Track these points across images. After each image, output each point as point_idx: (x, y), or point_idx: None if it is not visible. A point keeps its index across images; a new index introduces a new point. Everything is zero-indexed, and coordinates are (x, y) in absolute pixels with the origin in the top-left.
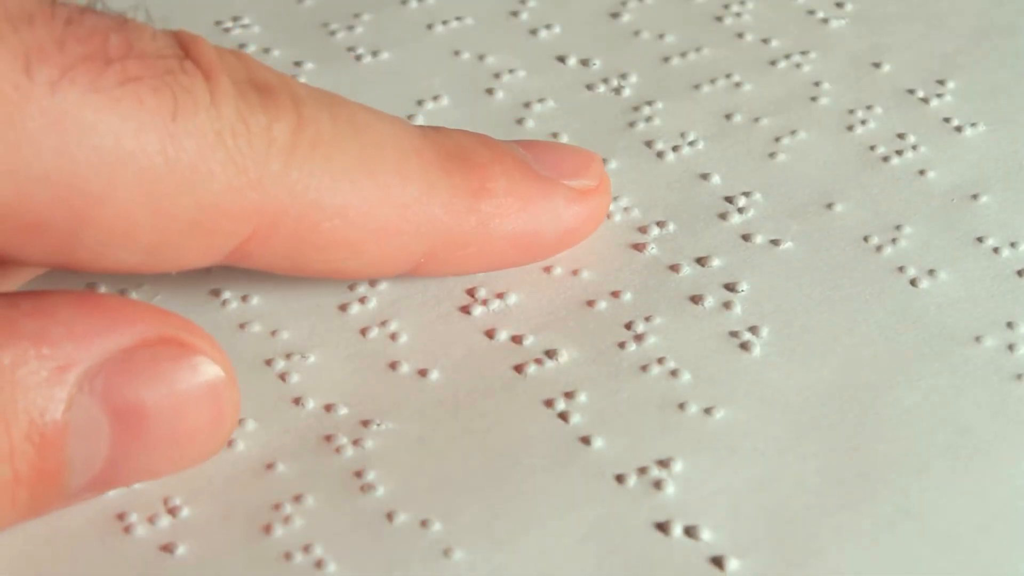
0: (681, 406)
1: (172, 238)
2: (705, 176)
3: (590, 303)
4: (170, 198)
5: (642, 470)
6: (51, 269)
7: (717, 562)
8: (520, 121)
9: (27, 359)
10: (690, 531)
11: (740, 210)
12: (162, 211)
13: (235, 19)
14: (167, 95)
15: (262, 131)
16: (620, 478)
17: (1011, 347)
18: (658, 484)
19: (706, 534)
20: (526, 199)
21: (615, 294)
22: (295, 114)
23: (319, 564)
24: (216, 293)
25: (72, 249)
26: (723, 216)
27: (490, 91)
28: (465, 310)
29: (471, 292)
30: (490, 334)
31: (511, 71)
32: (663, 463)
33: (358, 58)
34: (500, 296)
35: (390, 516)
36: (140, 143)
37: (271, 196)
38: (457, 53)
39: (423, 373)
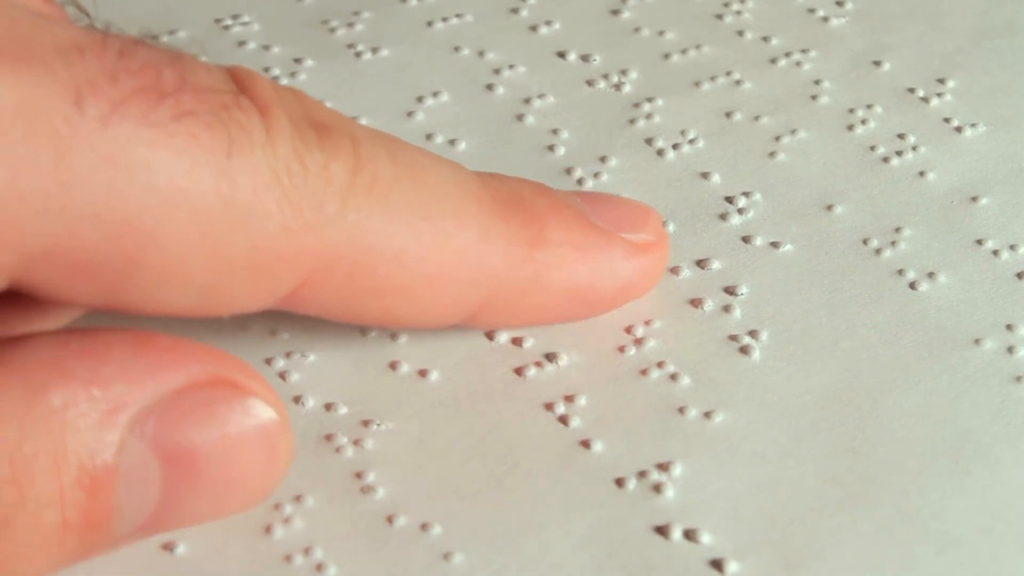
0: (681, 410)
1: (225, 280)
2: (705, 175)
3: None
4: (224, 238)
5: (642, 474)
6: (99, 311)
7: (717, 565)
8: (520, 117)
9: (77, 401)
10: (690, 534)
11: (740, 211)
12: (216, 252)
13: (235, 17)
14: (222, 131)
15: (319, 170)
16: (620, 482)
17: (1010, 349)
18: (657, 487)
19: (706, 537)
20: (584, 250)
21: None
22: (353, 154)
23: (319, 567)
24: None
25: (122, 290)
26: (723, 217)
27: (490, 87)
28: None
29: None
30: (490, 336)
31: (511, 67)
32: (663, 467)
33: (358, 55)
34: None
35: (390, 519)
36: (194, 180)
37: (327, 238)
38: (457, 49)
39: (423, 374)
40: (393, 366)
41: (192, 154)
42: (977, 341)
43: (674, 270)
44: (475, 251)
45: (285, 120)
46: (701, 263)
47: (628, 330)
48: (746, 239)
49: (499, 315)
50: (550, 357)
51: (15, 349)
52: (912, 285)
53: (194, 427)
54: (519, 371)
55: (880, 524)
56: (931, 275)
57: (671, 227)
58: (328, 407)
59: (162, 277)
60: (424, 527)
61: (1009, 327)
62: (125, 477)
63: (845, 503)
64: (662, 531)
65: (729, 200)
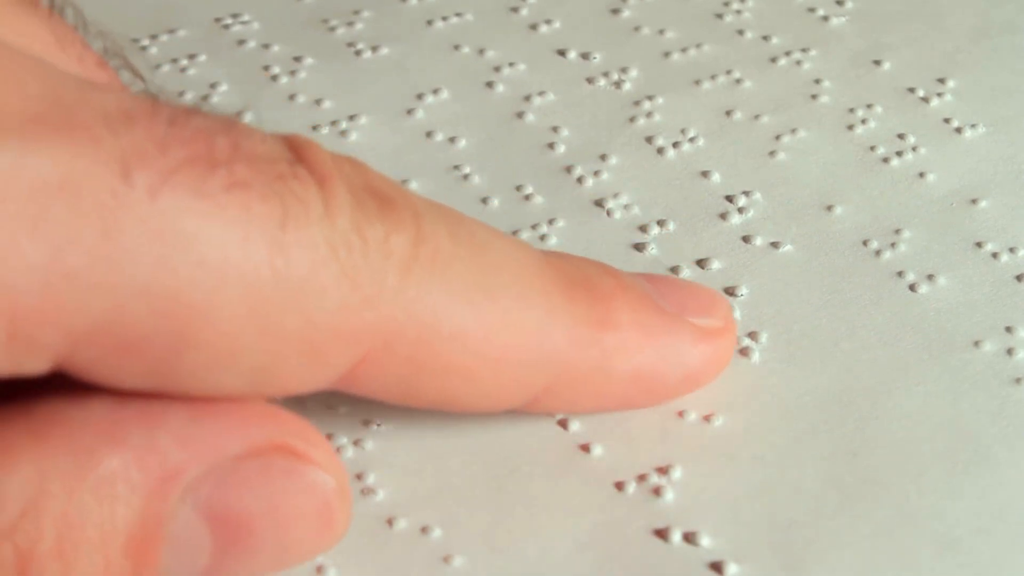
0: (680, 413)
1: (279, 360)
2: (705, 174)
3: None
4: (278, 315)
5: (641, 477)
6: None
7: (716, 568)
8: (520, 115)
9: (130, 470)
10: (689, 537)
11: (740, 210)
12: (269, 330)
13: (235, 16)
14: (277, 203)
15: (379, 243)
16: (619, 485)
17: (1010, 351)
18: (657, 491)
19: (705, 540)
20: (651, 335)
21: None
22: (414, 226)
23: (319, 569)
24: None
25: (171, 372)
26: (723, 216)
27: (490, 84)
28: None
29: None
30: None
31: (511, 65)
32: (662, 470)
33: (358, 53)
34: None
35: (390, 521)
36: (247, 255)
37: (386, 315)
38: (457, 48)
39: None
40: None
41: (245, 227)
42: (977, 343)
43: (674, 270)
44: (539, 332)
45: (344, 191)
46: (701, 263)
47: None
48: (746, 239)
49: (560, 401)
50: None
51: (70, 410)
52: (912, 287)
53: (248, 495)
54: None
55: (880, 526)
56: (931, 277)
57: (671, 226)
58: (328, 407)
59: (213, 356)
60: (424, 530)
61: (1008, 329)
62: (173, 543)
63: (845, 505)
64: (662, 534)
65: (729, 199)
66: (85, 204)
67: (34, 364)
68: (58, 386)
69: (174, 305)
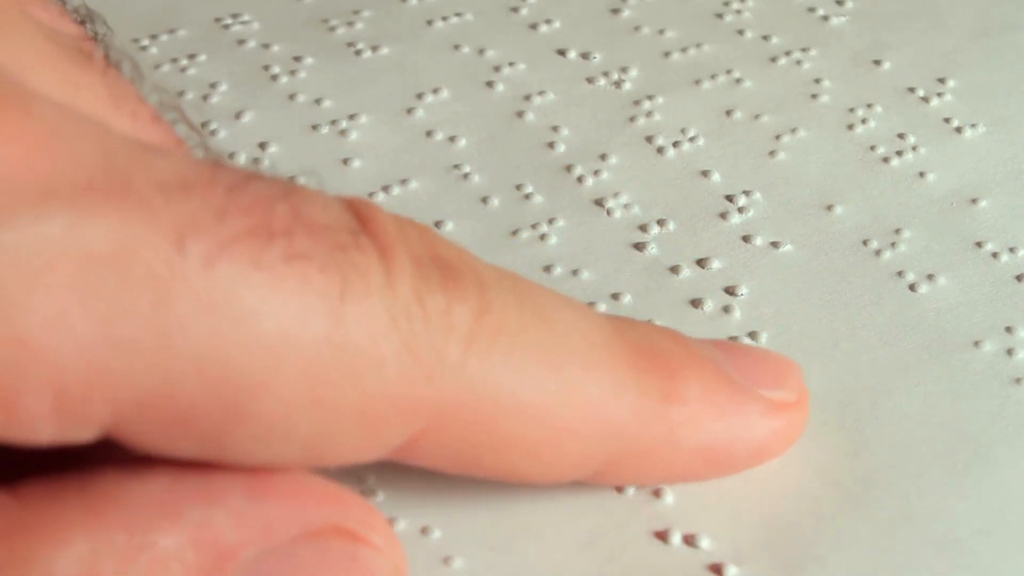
0: None
1: (335, 432)
2: (705, 173)
3: (590, 305)
4: (335, 389)
5: None
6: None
7: (716, 570)
8: (520, 114)
9: (185, 551)
10: (689, 539)
11: (740, 209)
12: (325, 403)
13: (235, 16)
14: (336, 274)
15: (441, 314)
16: (619, 486)
17: (1010, 352)
18: (657, 492)
19: (705, 542)
20: (720, 408)
21: (615, 296)
22: (478, 297)
23: None
24: None
25: (222, 444)
26: (723, 216)
27: (490, 84)
28: None
29: None
30: None
31: (511, 64)
32: None
33: (358, 53)
34: None
35: (391, 523)
36: (304, 328)
37: (446, 388)
38: (457, 48)
39: None
40: None
41: (303, 300)
42: (977, 343)
43: (674, 269)
44: (605, 405)
45: (407, 260)
46: (701, 262)
47: None
48: (746, 238)
49: (625, 473)
50: None
51: (126, 484)
52: (912, 287)
53: None
54: None
55: (880, 527)
56: (931, 277)
57: (671, 226)
58: None
59: (266, 431)
60: (424, 531)
61: (1008, 329)
62: None
63: (844, 506)
64: (661, 536)
65: (729, 199)
66: (137, 274)
67: (82, 433)
68: (114, 455)
69: (227, 379)
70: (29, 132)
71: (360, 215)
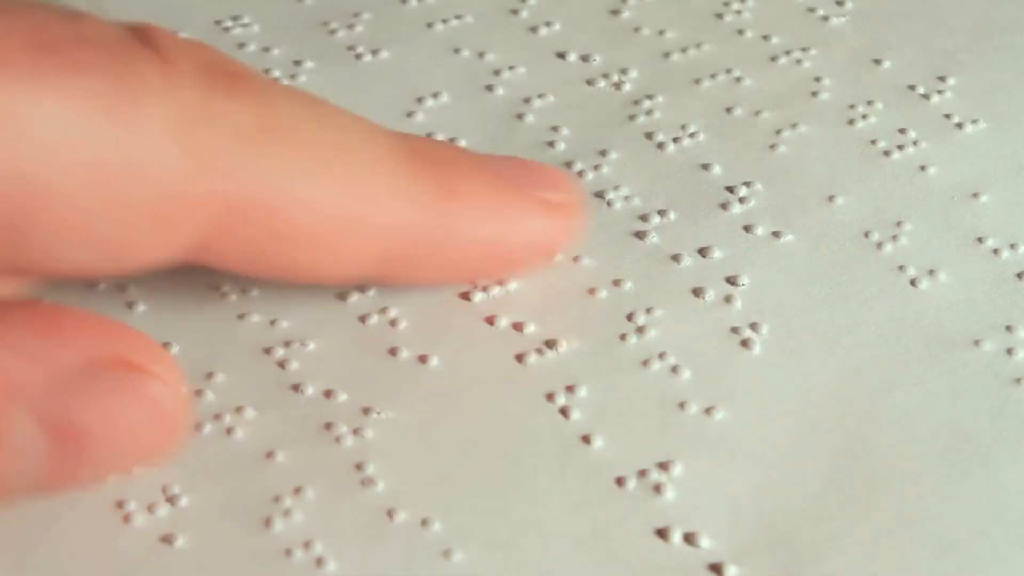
0: (682, 405)
1: (129, 230)
2: (706, 166)
3: (591, 291)
4: (124, 188)
5: (642, 473)
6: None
7: (716, 569)
8: (520, 116)
9: None
10: (689, 538)
11: (741, 200)
12: (116, 201)
13: (235, 18)
14: (116, 81)
15: (225, 115)
16: (620, 481)
17: (1010, 351)
18: (658, 488)
19: (705, 541)
20: (496, 204)
21: (616, 283)
22: (264, 100)
23: (319, 562)
24: (216, 287)
25: (20, 248)
26: (724, 206)
27: (490, 88)
28: (465, 296)
29: None
30: (490, 321)
31: (511, 68)
32: (663, 466)
33: (358, 57)
34: (500, 283)
35: (390, 514)
36: (87, 132)
37: (232, 182)
38: (457, 51)
39: (423, 360)
40: (393, 352)
41: (85, 106)
42: (977, 342)
43: (676, 258)
44: (385, 198)
45: (189, 67)
46: (703, 251)
47: (630, 317)
48: (747, 228)
49: (411, 269)
50: (550, 344)
51: None
52: (913, 282)
53: (87, 408)
54: (520, 358)
55: (879, 527)
56: (931, 272)
57: (672, 216)
58: (327, 394)
59: (61, 231)
60: (424, 523)
61: (1009, 328)
62: (12, 454)
63: (844, 506)
64: (662, 534)
65: (730, 189)
66: None
67: None
68: None
69: (18, 184)
70: None
71: (142, 33)
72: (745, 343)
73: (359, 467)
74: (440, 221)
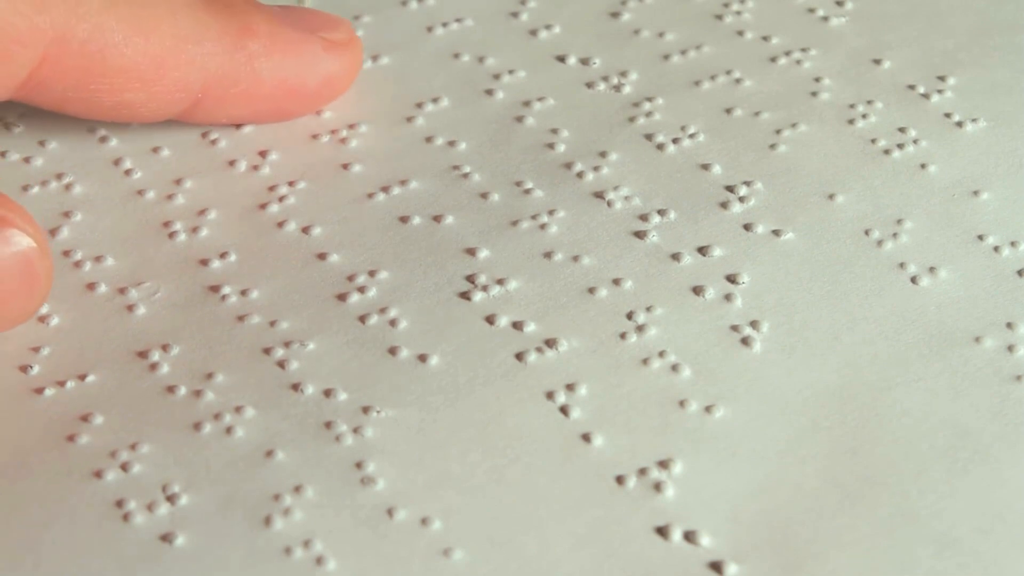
0: (682, 403)
1: None
2: (706, 166)
3: (591, 290)
4: None
5: (642, 471)
6: None
7: (716, 567)
8: (520, 119)
9: None
10: (689, 536)
11: (741, 199)
12: None
13: None
14: None
15: None
16: (620, 479)
17: (1010, 348)
18: (658, 486)
19: (705, 539)
20: (287, 44)
21: (616, 282)
22: None
23: (319, 560)
24: (216, 288)
25: None
26: (724, 205)
27: (490, 92)
28: (465, 296)
29: (471, 278)
30: (490, 320)
31: (511, 71)
32: (663, 464)
33: None
34: (500, 282)
35: (390, 512)
36: None
37: (55, 17)
38: (457, 55)
39: (423, 359)
40: (393, 351)
41: None
42: (977, 339)
43: (676, 257)
44: (191, 37)
45: None
46: (702, 250)
47: (629, 316)
48: (747, 227)
49: (218, 104)
50: (550, 343)
51: None
52: (913, 280)
53: None
54: (520, 356)
55: (880, 525)
56: (932, 270)
57: (672, 215)
58: (327, 393)
59: None
60: (424, 521)
61: (1009, 325)
62: None
63: (844, 504)
64: (662, 532)
65: (730, 189)
66: None
67: None
68: None
69: None
70: None
71: None
72: (745, 341)
73: (359, 466)
74: (242, 58)
